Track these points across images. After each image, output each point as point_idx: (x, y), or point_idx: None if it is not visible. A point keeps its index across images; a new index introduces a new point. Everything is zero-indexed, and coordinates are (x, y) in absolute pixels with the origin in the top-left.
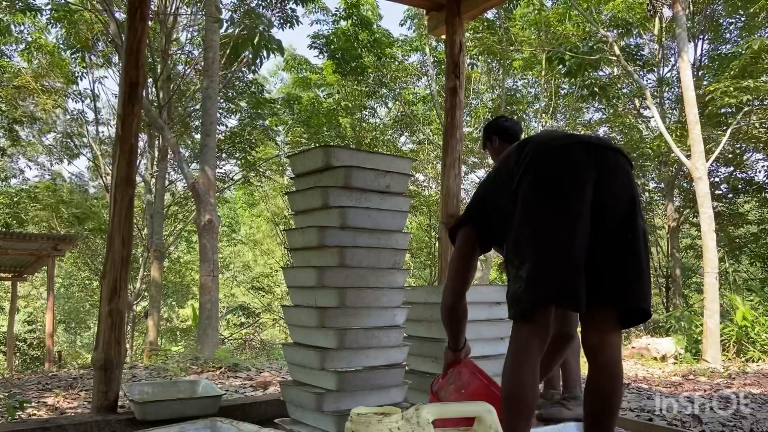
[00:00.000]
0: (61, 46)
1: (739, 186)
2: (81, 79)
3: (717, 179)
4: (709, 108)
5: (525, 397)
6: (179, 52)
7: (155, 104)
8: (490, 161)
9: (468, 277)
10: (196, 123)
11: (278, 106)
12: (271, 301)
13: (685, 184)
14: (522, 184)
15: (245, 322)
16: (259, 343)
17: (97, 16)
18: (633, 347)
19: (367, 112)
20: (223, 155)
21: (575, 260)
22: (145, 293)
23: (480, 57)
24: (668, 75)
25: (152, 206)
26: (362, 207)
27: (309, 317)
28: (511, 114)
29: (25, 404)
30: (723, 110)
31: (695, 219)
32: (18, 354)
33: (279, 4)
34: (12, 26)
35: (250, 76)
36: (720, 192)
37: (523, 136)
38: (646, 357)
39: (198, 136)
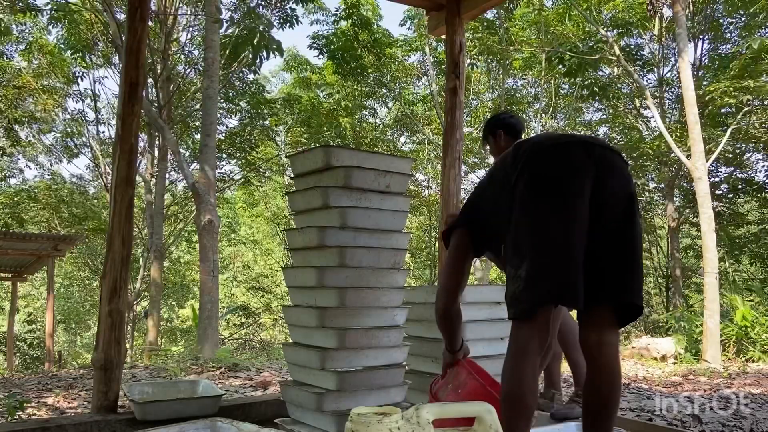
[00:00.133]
0: (62, 46)
1: (739, 186)
2: (81, 79)
3: (717, 179)
4: (709, 108)
5: (525, 397)
6: (179, 52)
7: (155, 104)
8: (491, 161)
9: (461, 281)
10: (197, 123)
11: (278, 106)
12: (271, 301)
13: (685, 184)
14: (519, 184)
15: (245, 322)
16: (259, 343)
17: (97, 16)
18: (633, 347)
19: (367, 112)
20: (224, 155)
21: (575, 259)
22: (145, 293)
23: (480, 57)
24: (668, 75)
25: (152, 206)
26: (362, 207)
27: (309, 317)
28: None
29: (25, 404)
30: (723, 110)
31: (695, 219)
32: (18, 354)
33: (279, 4)
34: (13, 26)
35: (251, 77)
36: (720, 192)
37: (523, 136)
38: (646, 357)
39: (198, 136)
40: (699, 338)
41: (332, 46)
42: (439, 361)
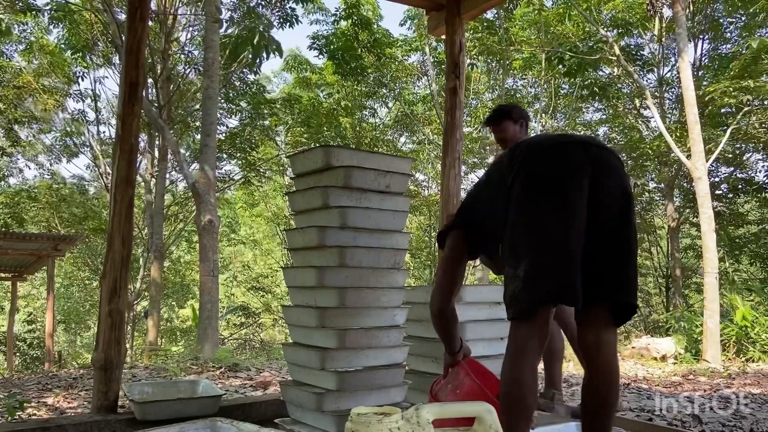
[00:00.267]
0: (62, 46)
1: (739, 186)
2: (82, 79)
3: (717, 179)
4: (709, 108)
5: (524, 397)
6: (179, 52)
7: (155, 104)
8: (490, 160)
9: (456, 282)
10: (197, 123)
11: (278, 106)
12: (271, 301)
13: (685, 184)
14: (516, 184)
15: (245, 322)
16: (259, 343)
17: (97, 16)
18: (633, 347)
19: (367, 112)
20: (224, 155)
21: (574, 259)
22: (145, 293)
23: (480, 57)
24: (668, 75)
25: (152, 206)
26: (362, 207)
27: (309, 317)
28: None
29: (25, 404)
30: (723, 110)
31: (695, 219)
32: (18, 354)
33: (279, 4)
34: (15, 26)
35: (251, 77)
36: (720, 192)
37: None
38: (646, 357)
39: (198, 136)
40: (699, 338)
41: (332, 47)
42: (439, 361)
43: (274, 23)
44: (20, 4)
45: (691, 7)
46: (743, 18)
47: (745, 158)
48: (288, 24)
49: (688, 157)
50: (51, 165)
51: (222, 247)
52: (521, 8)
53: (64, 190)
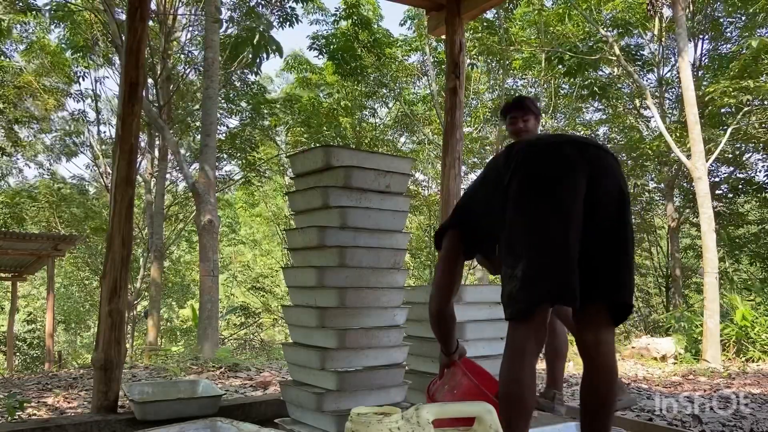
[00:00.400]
0: (63, 45)
1: (739, 186)
2: (83, 79)
3: (717, 179)
4: (709, 108)
5: (523, 397)
6: (179, 52)
7: (155, 104)
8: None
9: (454, 282)
10: (197, 123)
11: (278, 106)
12: (271, 301)
13: (685, 184)
14: (513, 183)
15: (245, 322)
16: (259, 343)
17: (97, 16)
18: (633, 347)
19: (367, 112)
20: (224, 156)
21: (573, 259)
22: (145, 293)
23: (480, 57)
24: (668, 75)
25: (152, 206)
26: (362, 207)
27: (309, 317)
28: None
29: (25, 404)
30: (723, 110)
31: (695, 219)
32: (18, 354)
33: (278, 3)
34: (17, 26)
35: (252, 77)
36: (720, 192)
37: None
38: (646, 357)
39: (198, 137)
40: (699, 338)
41: (332, 47)
42: (439, 361)
43: (274, 23)
44: (20, 4)
45: (691, 7)
46: (743, 18)
47: (745, 158)
48: (288, 23)
49: (688, 157)
50: (51, 165)
51: (222, 247)
52: (521, 8)
53: (64, 190)
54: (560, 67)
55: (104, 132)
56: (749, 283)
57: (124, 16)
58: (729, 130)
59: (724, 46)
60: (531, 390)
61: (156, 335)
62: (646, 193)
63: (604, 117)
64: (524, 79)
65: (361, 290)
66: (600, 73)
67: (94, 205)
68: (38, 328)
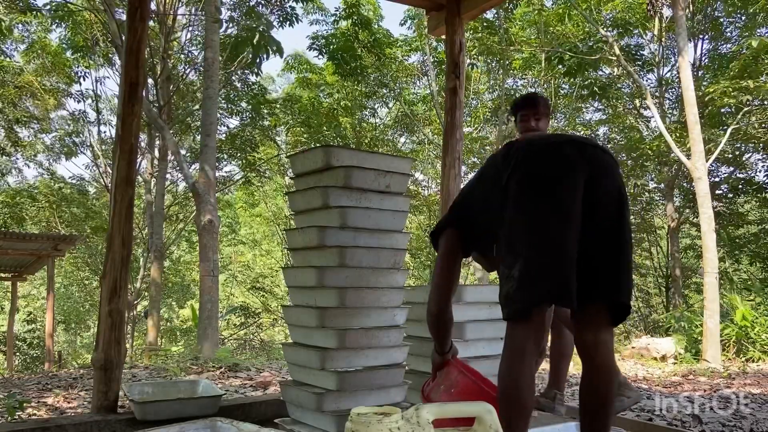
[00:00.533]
0: (64, 45)
1: (739, 186)
2: (84, 79)
3: (717, 179)
4: (709, 108)
5: (522, 397)
6: (179, 52)
7: (155, 104)
8: None
9: (452, 280)
10: (197, 123)
11: (278, 107)
12: (271, 301)
13: (685, 184)
14: (512, 182)
15: (245, 322)
16: (259, 343)
17: (96, 16)
18: (633, 347)
19: (367, 112)
20: (224, 156)
21: (570, 258)
22: (145, 293)
23: (480, 57)
24: (668, 75)
25: (152, 206)
26: (362, 207)
27: (309, 317)
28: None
29: (25, 404)
30: (723, 110)
31: (695, 219)
32: (18, 354)
33: (278, 3)
34: (18, 26)
35: (253, 78)
36: (720, 192)
37: None
38: (646, 357)
39: (198, 137)
40: (699, 338)
41: (332, 47)
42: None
43: (274, 23)
44: (20, 3)
45: (691, 7)
46: (743, 18)
47: (745, 158)
48: (288, 23)
49: (688, 157)
50: (50, 164)
51: (222, 247)
52: (521, 8)
53: (64, 190)
54: (560, 67)
55: (104, 132)
56: (749, 283)
57: (124, 16)
58: (729, 130)
59: (724, 46)
60: (530, 390)
61: (156, 335)
62: (646, 193)
63: (604, 117)
64: (524, 79)
65: (361, 290)
66: (600, 73)
67: (94, 205)
68: (38, 328)
